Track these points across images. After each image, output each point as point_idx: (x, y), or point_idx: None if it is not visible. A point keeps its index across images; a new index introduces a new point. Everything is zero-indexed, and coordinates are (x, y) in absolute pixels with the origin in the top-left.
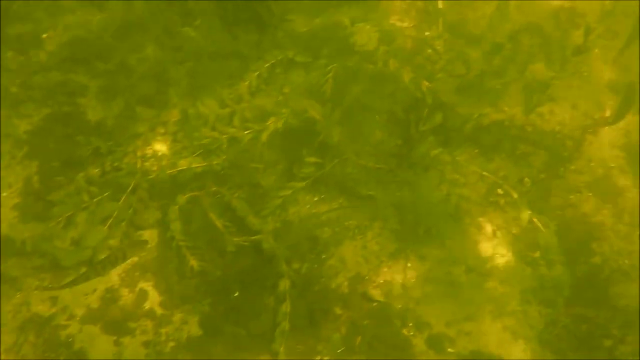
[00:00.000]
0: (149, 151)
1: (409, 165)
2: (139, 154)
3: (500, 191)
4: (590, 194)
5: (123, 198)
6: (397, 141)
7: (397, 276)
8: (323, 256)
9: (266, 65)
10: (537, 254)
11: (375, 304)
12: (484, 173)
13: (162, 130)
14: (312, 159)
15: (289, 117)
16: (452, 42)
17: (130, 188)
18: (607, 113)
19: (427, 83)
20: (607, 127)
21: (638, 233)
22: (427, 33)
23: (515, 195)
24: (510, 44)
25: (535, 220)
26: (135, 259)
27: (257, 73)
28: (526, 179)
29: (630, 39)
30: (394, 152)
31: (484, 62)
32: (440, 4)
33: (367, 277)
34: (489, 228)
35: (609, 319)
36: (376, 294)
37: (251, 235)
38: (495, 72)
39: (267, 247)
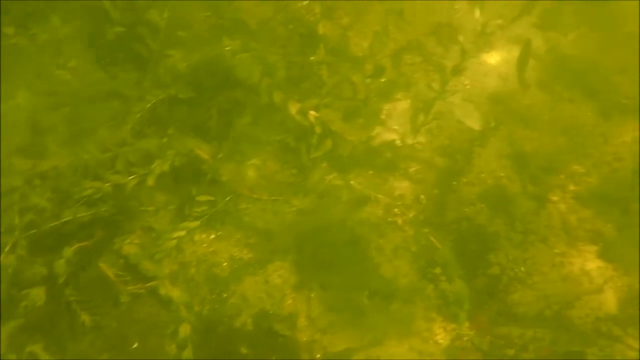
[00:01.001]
0: (27, 205)
1: (304, 193)
2: (16, 208)
3: (397, 211)
4: (483, 205)
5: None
6: (292, 170)
7: (301, 308)
8: (224, 295)
9: (148, 105)
10: (438, 270)
11: (280, 338)
12: (379, 195)
13: (39, 182)
14: (204, 198)
15: (175, 159)
16: (336, 65)
17: (8, 247)
18: (492, 124)
19: (314, 113)
20: (492, 138)
21: (531, 240)
22: (312, 58)
23: (412, 214)
24: (392, 64)
25: (432, 238)
26: (21, 320)
27: (140, 115)
28: (421, 196)
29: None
30: (289, 181)
31: (369, 84)
32: (320, 29)
33: (271, 312)
34: (389, 249)
35: (509, 328)
36: (281, 328)
37: (146, 282)
38: (380, 93)
39: (164, 292)
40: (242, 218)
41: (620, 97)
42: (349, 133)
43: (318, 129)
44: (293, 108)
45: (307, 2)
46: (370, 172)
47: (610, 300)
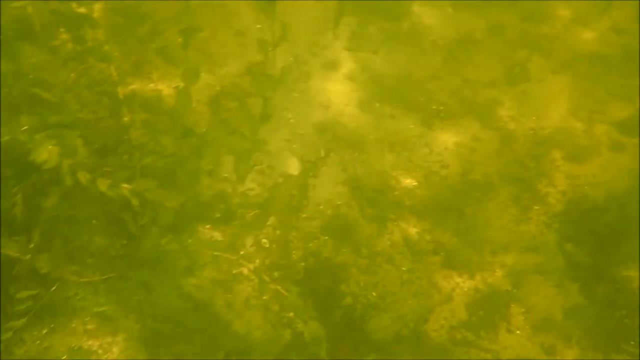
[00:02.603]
0: None
1: (139, 264)
2: None
3: (241, 261)
4: (327, 237)
5: None
6: (122, 242)
7: None
8: None
9: None
10: (292, 314)
11: None
12: (216, 253)
13: None
14: (25, 293)
15: None
16: (152, 122)
17: None
18: (322, 153)
19: (126, 185)
20: (325, 167)
21: (378, 262)
22: (125, 118)
23: (257, 260)
24: (211, 111)
25: (278, 287)
26: None
27: None
28: (264, 240)
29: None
30: (120, 254)
31: (186, 139)
32: (120, 93)
33: None
34: (239, 303)
35: (371, 356)
36: None
37: None
38: (201, 145)
39: None
40: (75, 305)
41: (436, 104)
42: (167, 199)
43: (135, 201)
44: (102, 185)
45: (108, 63)
46: (207, 226)
47: (459, 307)
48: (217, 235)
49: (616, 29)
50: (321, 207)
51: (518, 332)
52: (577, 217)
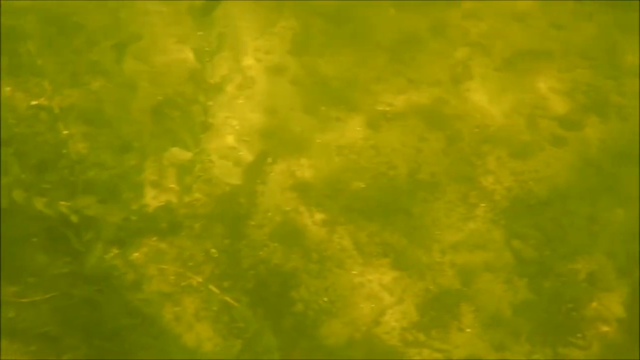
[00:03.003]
0: None
1: (84, 281)
2: None
3: (189, 273)
4: (277, 244)
5: None
6: (65, 258)
7: None
8: None
9: None
10: (242, 324)
11: None
12: (163, 266)
13: None
14: None
15: None
16: (94, 135)
17: None
18: (269, 159)
19: (64, 203)
20: (272, 174)
21: (328, 267)
22: (65, 132)
23: (207, 271)
24: (153, 121)
25: (226, 298)
26: None
27: None
28: (212, 250)
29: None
30: (64, 272)
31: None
32: (57, 107)
33: None
34: (188, 315)
35: None
36: None
37: None
38: (133, 169)
39: None
40: (15, 327)
41: (382, 106)
42: (109, 214)
43: (74, 218)
44: (39, 203)
45: (41, 77)
46: (154, 238)
47: (410, 308)
48: (164, 248)
49: (555, 25)
50: (270, 213)
51: (468, 330)
52: (522, 212)
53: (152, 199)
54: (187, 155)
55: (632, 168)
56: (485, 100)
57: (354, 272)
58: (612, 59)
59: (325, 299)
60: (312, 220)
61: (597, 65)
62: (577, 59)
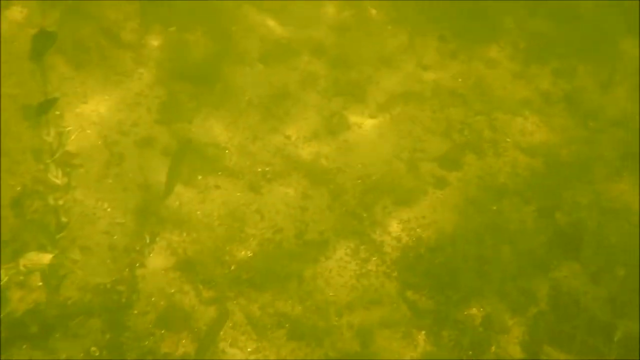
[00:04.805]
0: None
1: None
2: None
3: None
4: (163, 331)
5: None
6: None
7: None
8: None
9: None
10: None
11: None
12: None
13: None
14: None
15: None
16: None
17: None
18: (147, 239)
19: None
20: (152, 254)
21: (222, 348)
22: None
23: None
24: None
25: None
26: None
27: None
28: (93, 349)
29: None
30: None
31: None
32: None
33: None
34: None
35: None
36: None
37: None
38: None
39: None
40: None
41: (261, 166)
42: None
43: None
44: None
45: None
46: (24, 346)
47: None
48: (37, 354)
49: (422, 65)
50: (153, 298)
51: None
52: (413, 262)
53: (19, 302)
54: (46, 258)
55: (511, 202)
56: (364, 149)
57: (248, 349)
58: (481, 95)
59: None
60: (200, 299)
61: (467, 102)
62: (447, 98)
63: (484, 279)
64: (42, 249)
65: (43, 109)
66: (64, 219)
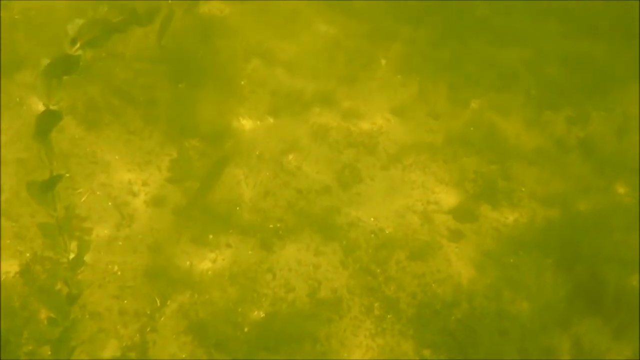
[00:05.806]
0: None
1: None
2: None
3: None
4: None
5: None
6: None
7: None
8: None
9: None
10: None
11: None
12: None
13: None
14: None
15: None
16: None
17: None
18: (158, 302)
19: None
20: (163, 318)
21: None
22: None
23: None
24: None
25: None
26: None
27: None
28: None
29: None
30: None
31: None
32: None
33: None
34: None
35: None
36: None
37: None
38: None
39: None
40: None
41: (273, 223)
42: None
43: None
44: None
45: None
46: None
47: None
48: None
49: (433, 115)
50: None
51: None
52: (429, 319)
53: None
54: (55, 331)
55: (528, 255)
56: (377, 201)
57: None
58: (494, 144)
59: None
60: None
61: (480, 151)
62: (460, 147)
63: (504, 337)
64: (52, 323)
65: (48, 186)
66: (74, 291)
